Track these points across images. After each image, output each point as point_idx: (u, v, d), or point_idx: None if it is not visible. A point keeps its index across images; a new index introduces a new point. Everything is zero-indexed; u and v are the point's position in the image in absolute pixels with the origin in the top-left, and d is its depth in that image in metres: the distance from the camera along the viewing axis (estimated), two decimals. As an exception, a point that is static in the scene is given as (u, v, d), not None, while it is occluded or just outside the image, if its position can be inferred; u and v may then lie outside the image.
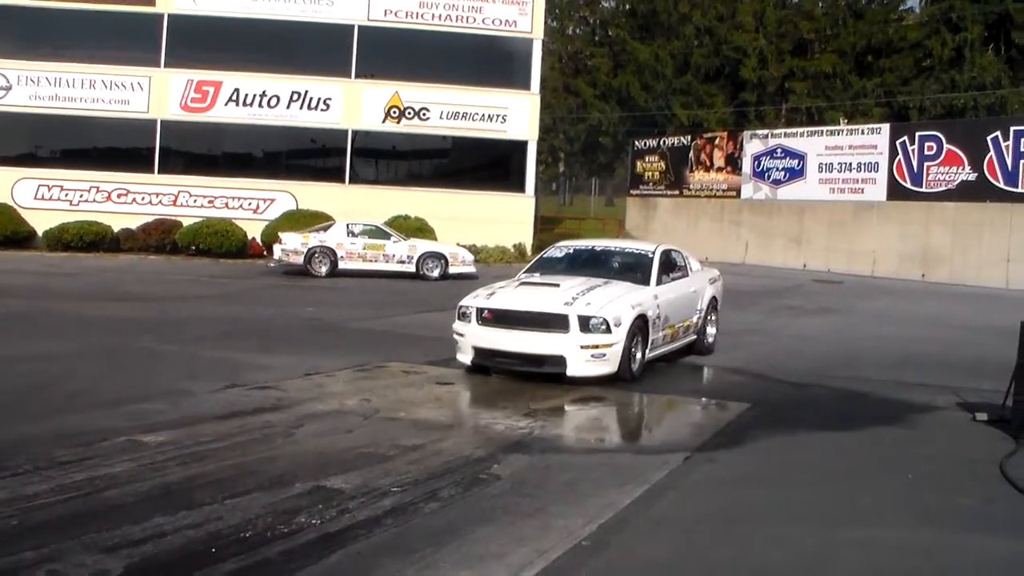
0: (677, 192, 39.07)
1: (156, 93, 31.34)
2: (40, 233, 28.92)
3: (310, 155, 33.75)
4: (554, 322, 10.06)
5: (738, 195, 36.07)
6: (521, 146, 33.21)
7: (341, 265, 24.05)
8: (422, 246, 25.10)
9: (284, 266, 24.52)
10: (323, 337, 13.59)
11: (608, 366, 10.03)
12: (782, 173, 34.41)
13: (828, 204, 32.65)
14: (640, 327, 10.44)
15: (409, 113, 32.52)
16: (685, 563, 5.39)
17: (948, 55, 40.72)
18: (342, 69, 32.17)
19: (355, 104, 32.26)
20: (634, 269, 11.57)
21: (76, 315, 15.01)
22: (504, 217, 31.53)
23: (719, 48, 44.12)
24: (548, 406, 9.33)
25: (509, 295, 10.69)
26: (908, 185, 30.33)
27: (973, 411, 9.44)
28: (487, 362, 10.56)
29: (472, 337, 10.57)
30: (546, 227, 37.52)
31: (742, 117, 43.32)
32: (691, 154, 38.45)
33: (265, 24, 31.38)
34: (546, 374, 10.11)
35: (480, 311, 10.55)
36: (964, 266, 28.47)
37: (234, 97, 31.64)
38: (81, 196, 30.73)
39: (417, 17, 32.30)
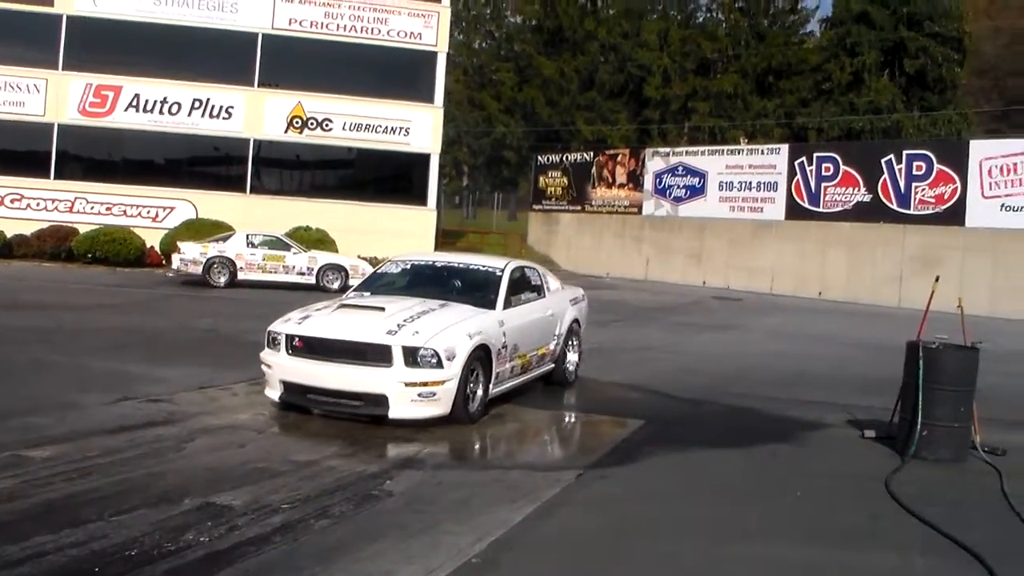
0: (580, 208, 39.48)
1: (53, 96, 30.58)
2: (-76, 237, 27.96)
3: (211, 163, 33.28)
4: (375, 354, 8.65)
5: (640, 211, 36.61)
6: (424, 159, 33.25)
7: (241, 276, 23.75)
8: (323, 258, 24.94)
9: (183, 276, 24.09)
10: (219, 348, 13.37)
11: (439, 407, 8.66)
12: (683, 191, 35.04)
13: (728, 222, 33.37)
14: (481, 359, 9.13)
15: (312, 123, 32.31)
16: (573, 580, 5.45)
17: (846, 79, 42.05)
18: (245, 77, 31.82)
19: (258, 113, 31.94)
20: (479, 289, 10.20)
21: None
22: (406, 230, 31.51)
23: (623, 65, 44.83)
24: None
25: (324, 320, 9.21)
26: (806, 205, 31.19)
27: (862, 428, 9.75)
28: (297, 399, 9.05)
29: (280, 369, 9.04)
30: (448, 240, 37.52)
31: (645, 134, 44.06)
32: (594, 170, 38.92)
33: (167, 29, 30.88)
34: (367, 416, 8.81)
35: (290, 338, 9.06)
36: (859, 285, 29.40)
37: (134, 103, 31.05)
38: (-30, 200, 29.81)
39: (322, 27, 32.14)
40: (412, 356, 8.59)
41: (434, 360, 8.60)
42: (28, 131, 30.52)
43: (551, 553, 5.85)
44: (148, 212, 31.04)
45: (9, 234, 28.33)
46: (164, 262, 27.50)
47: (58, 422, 8.44)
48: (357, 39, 32.30)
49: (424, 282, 10.59)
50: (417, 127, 32.98)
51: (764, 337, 18.87)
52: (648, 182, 36.30)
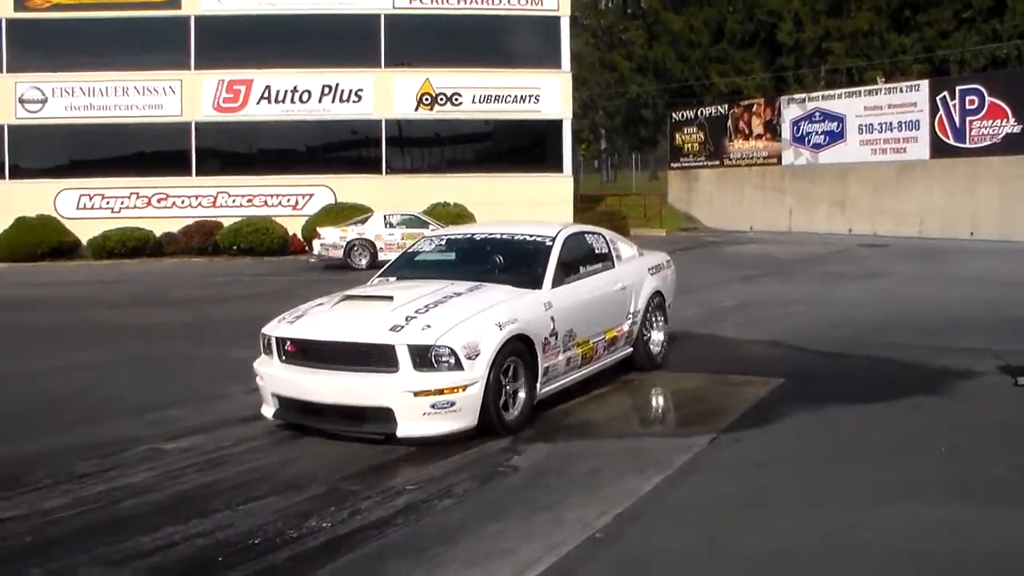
0: (718, 162, 38.62)
1: (188, 95, 31.58)
2: (84, 242, 29.37)
3: (345, 147, 33.84)
4: (377, 357, 7.16)
5: (779, 162, 35.55)
6: (556, 125, 33.00)
7: (381, 256, 24.08)
8: (460, 233, 25.04)
9: (325, 260, 24.65)
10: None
11: (461, 419, 7.11)
12: (822, 137, 33.84)
13: (870, 166, 32.05)
14: (520, 352, 7.57)
15: (441, 99, 32.45)
16: (700, 553, 5.22)
17: (988, 4, 39.64)
18: (372, 59, 32.16)
19: (387, 93, 32.26)
20: (524, 265, 8.62)
21: (114, 323, 15.12)
22: (543, 198, 31.31)
23: (752, 13, 43.37)
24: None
25: (320, 318, 7.78)
26: (951, 142, 29.64)
27: (1015, 375, 9.14)
28: (293, 417, 7.65)
29: (272, 381, 7.67)
30: (588, 206, 37.21)
31: (781, 82, 42.62)
32: (729, 123, 37.98)
33: (291, 19, 31.44)
34: (373, 436, 7.27)
35: (281, 342, 7.67)
36: (1014, 221, 27.78)
37: (266, 94, 31.78)
38: (122, 203, 31.14)
39: (443, 2, 32.17)
40: (422, 357, 7.06)
41: (451, 360, 7.06)
42: (168, 132, 31.57)
43: (678, 524, 5.64)
44: (288, 200, 31.79)
45: (158, 233, 29.52)
46: (307, 248, 28.18)
47: (197, 413, 8.64)
48: (479, 10, 32.23)
49: (462, 260, 9.20)
50: (546, 94, 32.76)
51: (913, 283, 18.01)
52: (785, 131, 35.18)
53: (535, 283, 8.28)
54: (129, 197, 31.18)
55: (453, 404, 7.06)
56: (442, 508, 5.95)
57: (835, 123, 33.29)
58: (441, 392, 7.04)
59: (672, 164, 41.89)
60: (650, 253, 10.86)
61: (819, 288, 17.50)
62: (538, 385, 7.82)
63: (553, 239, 8.81)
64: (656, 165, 59.21)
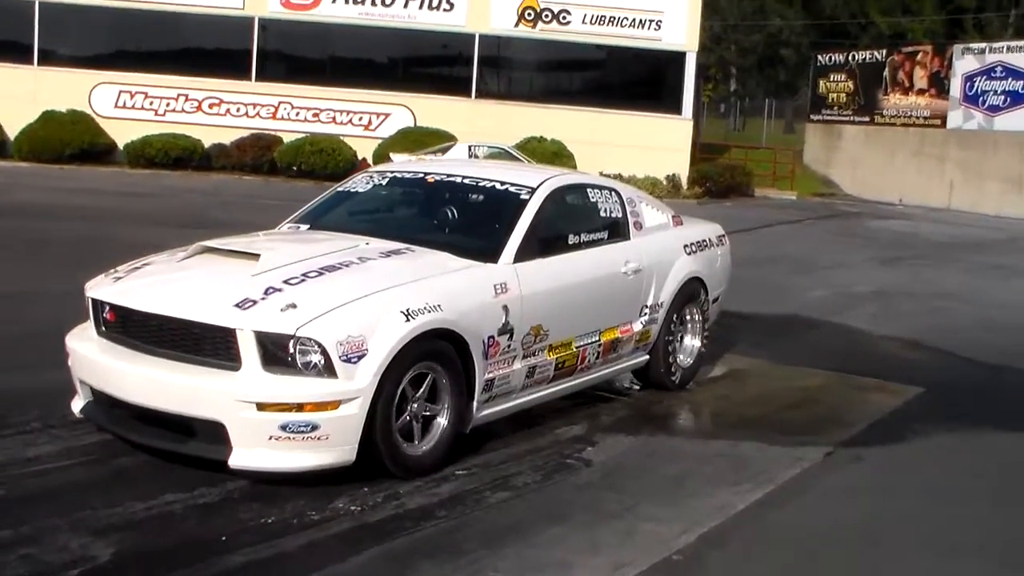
0: (867, 119, 37.72)
1: (251, -15, 31.72)
2: (121, 146, 29.83)
3: (431, 63, 33.82)
4: (211, 343, 5.76)
5: (943, 124, 34.55)
6: (678, 58, 32.48)
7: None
8: (555, 174, 24.86)
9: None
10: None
11: (326, 451, 5.66)
12: (1001, 98, 32.73)
13: (1061, 138, 30.98)
14: (442, 356, 6.16)
15: (546, 16, 32.11)
16: (799, 592, 5.02)
17: None
18: (468, -39, 31.97)
19: (483, 4, 32.06)
20: (479, 225, 7.41)
21: (143, 243, 15.18)
22: (656, 143, 30.97)
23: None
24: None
25: (156, 276, 6.45)
26: None
27: None
28: (102, 418, 6.25)
29: (80, 362, 6.34)
30: (708, 156, 36.74)
31: (956, 27, 41.33)
32: (886, 72, 37.00)
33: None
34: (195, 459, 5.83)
35: (99, 307, 6.32)
36: None
37: (343, -8, 31.81)
38: (167, 105, 31.50)
39: (555, -100, 31.81)
40: (275, 351, 5.63)
41: (318, 360, 5.60)
42: (227, 27, 31.77)
43: (773, 554, 5.41)
44: (360, 119, 31.87)
45: (207, 143, 29.87)
46: (374, 176, 28.15)
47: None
48: (597, -87, 31.82)
49: (404, 209, 8.19)
50: (670, 19, 32.22)
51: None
52: (955, 87, 34.11)
53: (489, 253, 6.80)
54: (176, 99, 31.53)
55: (315, 428, 5.57)
56: (494, 502, 5.83)
57: (1020, 82, 32.15)
58: (298, 408, 5.56)
59: (812, 116, 41.04)
60: (693, 223, 9.47)
61: (978, 281, 16.95)
62: (474, 404, 6.41)
63: (532, 191, 7.30)
64: (793, 116, 58.20)
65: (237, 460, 5.60)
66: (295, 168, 28.98)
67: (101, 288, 6.39)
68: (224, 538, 5.13)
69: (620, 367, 8.06)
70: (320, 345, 5.58)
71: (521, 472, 6.33)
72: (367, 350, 5.69)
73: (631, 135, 30.74)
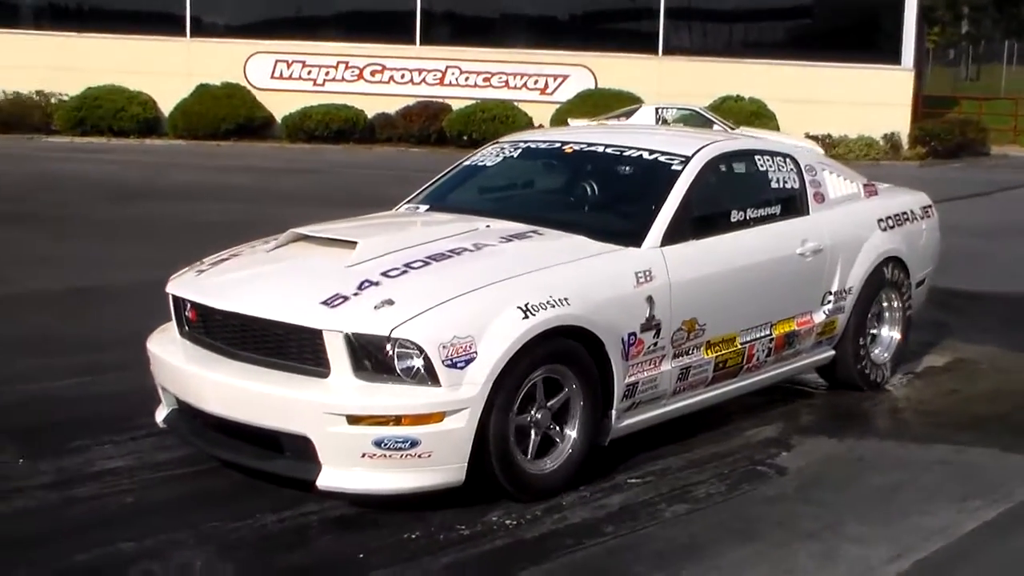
0: None
1: (416, -59, 32.09)
2: (279, 119, 30.66)
3: (612, 18, 33.77)
4: (297, 346, 5.55)
5: None
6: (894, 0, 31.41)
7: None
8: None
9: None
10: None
11: (429, 471, 5.34)
12: None
13: None
14: (572, 358, 5.78)
15: (743, -43, 31.65)
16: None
17: None
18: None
19: (671, -52, 31.74)
20: (621, 202, 7.14)
21: (295, 223, 15.47)
22: (871, 98, 30.18)
23: None
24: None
25: (240, 271, 6.27)
26: None
27: None
28: (186, 432, 6.08)
29: (162, 368, 6.16)
30: (933, 110, 35.46)
31: None
32: None
33: None
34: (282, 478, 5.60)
35: (180, 304, 6.17)
36: None
37: (508, -57, 31.97)
38: (327, 74, 32.20)
39: None
40: (368, 355, 5.35)
41: (416, 365, 5.30)
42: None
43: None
44: (535, 82, 31.92)
45: (370, 114, 30.41)
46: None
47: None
48: None
49: (537, 184, 7.89)
50: (886, -47, 31.40)
51: None
52: None
53: (632, 235, 6.37)
54: (336, 67, 32.15)
55: (415, 444, 5.26)
56: (670, 516, 5.60)
57: None
58: (395, 421, 5.26)
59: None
60: (892, 192, 8.84)
61: None
62: (612, 413, 6.05)
63: (686, 161, 6.82)
64: (1039, 60, 55.80)
65: (326, 480, 5.33)
66: (466, 138, 29.17)
67: (182, 283, 6.22)
68: (362, 556, 5.06)
69: (799, 365, 7.56)
70: (420, 348, 5.25)
71: (703, 481, 6.09)
72: (476, 353, 5.33)
73: (841, 90, 29.94)
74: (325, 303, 5.44)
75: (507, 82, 31.83)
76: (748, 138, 8.84)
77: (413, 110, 30.48)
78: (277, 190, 19.87)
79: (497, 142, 7.99)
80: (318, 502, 5.52)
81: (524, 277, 5.74)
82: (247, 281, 6.08)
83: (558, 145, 7.73)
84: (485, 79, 31.79)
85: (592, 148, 7.37)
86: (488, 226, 6.48)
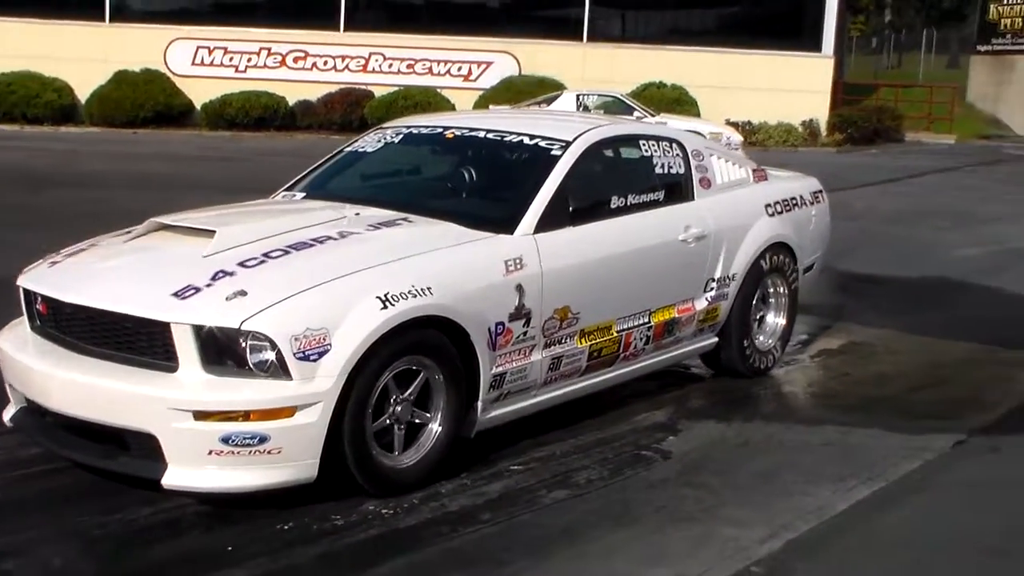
0: (1045, 48, 36.39)
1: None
2: (199, 107, 30.26)
3: (536, 4, 33.63)
4: (146, 339, 5.30)
5: None
6: (817, -13, 31.69)
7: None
8: (674, 125, 24.39)
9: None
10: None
11: (280, 467, 5.16)
12: None
13: None
14: (434, 349, 5.64)
15: (665, -56, 31.71)
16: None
17: None
18: None
19: (594, -66, 31.73)
20: (498, 188, 7.00)
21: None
22: (791, 85, 30.32)
23: None
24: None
25: (94, 261, 6.01)
26: None
27: None
28: (34, 430, 5.81)
29: (11, 366, 5.85)
30: (853, 97, 35.75)
31: None
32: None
33: None
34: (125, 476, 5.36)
35: (31, 298, 5.89)
36: None
37: (438, -75, 31.79)
38: (249, 60, 31.81)
39: None
40: (218, 347, 5.16)
41: (268, 359, 5.12)
42: (311, -28, 31.88)
43: (874, 568, 5.03)
44: (459, 69, 31.77)
45: (292, 101, 30.12)
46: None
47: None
48: None
49: (416, 170, 7.73)
50: (808, -58, 31.58)
51: None
52: None
53: (504, 222, 6.21)
54: (258, 53, 31.76)
55: (264, 440, 5.08)
56: (550, 502, 5.56)
57: None
58: (244, 416, 5.07)
59: (979, 47, 39.81)
60: (782, 178, 8.79)
61: None
62: (479, 404, 5.89)
63: (566, 146, 6.70)
64: (960, 48, 56.48)
65: (172, 479, 5.11)
66: (388, 125, 28.95)
67: (33, 276, 5.95)
68: (231, 548, 4.96)
69: (681, 352, 7.44)
70: (271, 341, 5.07)
71: (587, 467, 6.05)
72: (331, 345, 5.17)
73: (763, 77, 30.07)
74: (175, 295, 5.25)
75: (431, 69, 31.64)
76: (634, 123, 8.83)
77: (335, 97, 30.23)
78: (192, 178, 19.56)
79: (380, 128, 7.82)
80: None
81: (386, 266, 5.59)
82: (99, 273, 5.84)
83: (440, 130, 7.53)
84: (409, 66, 31.58)
85: (474, 133, 7.24)
86: (357, 214, 6.33)
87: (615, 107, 24.52)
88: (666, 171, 7.31)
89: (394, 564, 4.84)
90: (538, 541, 5.08)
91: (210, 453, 5.06)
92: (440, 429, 5.70)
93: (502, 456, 6.12)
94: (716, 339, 7.64)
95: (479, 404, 5.89)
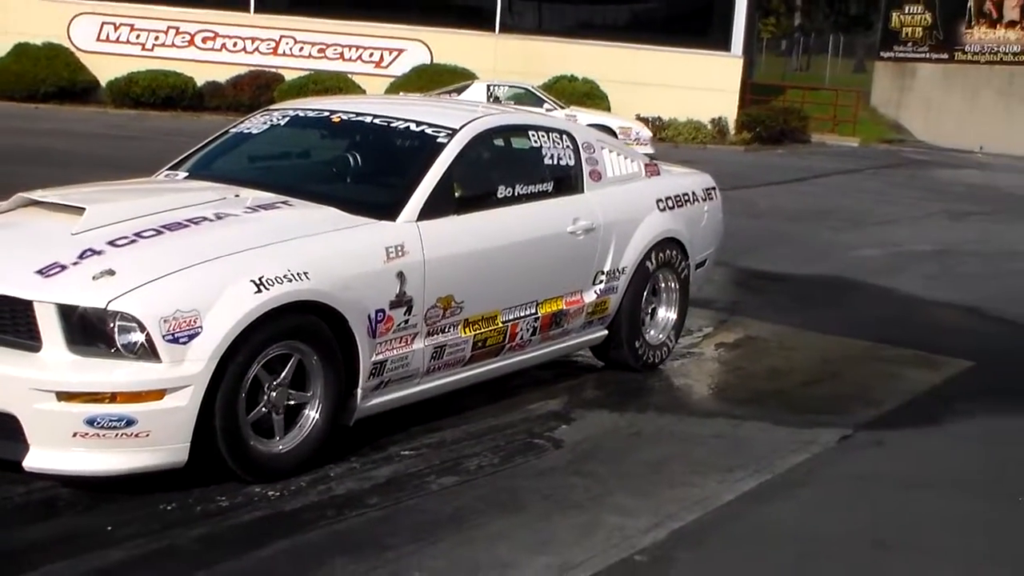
0: (946, 56, 37.10)
1: (252, -96, 31.47)
2: (103, 84, 29.70)
3: (452, -7, 33.46)
4: (10, 318, 5.16)
5: (1036, 62, 33.96)
6: (728, -13, 31.96)
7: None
8: (585, 118, 24.45)
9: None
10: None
11: (148, 451, 5.05)
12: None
13: None
14: (311, 335, 5.55)
15: (579, -61, 31.79)
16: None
17: None
18: None
19: (509, -74, 31.73)
20: (383, 174, 6.92)
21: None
22: (701, 83, 30.49)
23: None
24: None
25: None
26: None
27: None
28: None
29: None
30: (761, 97, 36.10)
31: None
32: (970, 2, 36.26)
33: None
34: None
35: None
36: None
37: (351, -91, 31.56)
38: (156, 39, 31.33)
39: None
40: (83, 328, 5.03)
41: (137, 340, 4.99)
42: (223, -51, 31.52)
43: (755, 557, 5.08)
44: (371, 55, 31.62)
45: (200, 82, 29.70)
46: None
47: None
48: None
49: (297, 155, 7.62)
50: (720, -58, 31.83)
51: None
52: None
53: (387, 209, 6.13)
54: (166, 32, 31.30)
55: (131, 423, 4.96)
56: (437, 488, 5.55)
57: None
58: (110, 399, 4.94)
59: (883, 53, 40.37)
60: (675, 173, 8.77)
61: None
62: (358, 392, 5.83)
63: (452, 133, 6.61)
64: (866, 54, 57.41)
65: (34, 461, 4.97)
66: (298, 109, 28.72)
67: None
68: (110, 528, 4.88)
69: (569, 344, 7.40)
70: (139, 322, 4.94)
71: (477, 453, 6.05)
72: (202, 328, 5.05)
73: (673, 74, 30.23)
74: (40, 272, 5.10)
75: (342, 54, 31.44)
76: (524, 113, 8.66)
77: (244, 79, 29.86)
78: (93, 155, 19.19)
79: (266, 110, 7.62)
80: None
81: (262, 249, 5.48)
82: None
83: (326, 114, 7.36)
84: (320, 50, 31.35)
85: (360, 118, 7.13)
86: (237, 195, 6.17)
87: (526, 99, 24.55)
88: (556, 162, 7.25)
89: (277, 547, 4.78)
90: (424, 526, 5.06)
91: (75, 435, 4.93)
92: (318, 416, 5.63)
93: (392, 441, 6.09)
94: (606, 332, 7.60)
95: (359, 392, 5.81)
